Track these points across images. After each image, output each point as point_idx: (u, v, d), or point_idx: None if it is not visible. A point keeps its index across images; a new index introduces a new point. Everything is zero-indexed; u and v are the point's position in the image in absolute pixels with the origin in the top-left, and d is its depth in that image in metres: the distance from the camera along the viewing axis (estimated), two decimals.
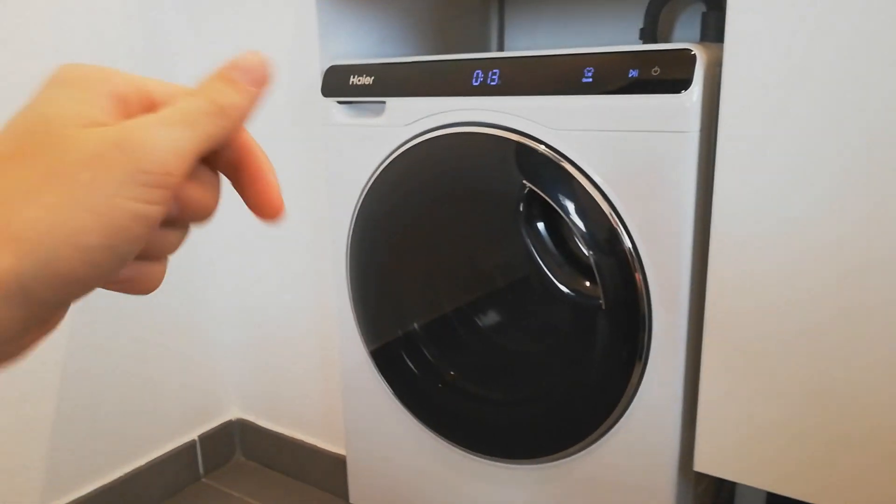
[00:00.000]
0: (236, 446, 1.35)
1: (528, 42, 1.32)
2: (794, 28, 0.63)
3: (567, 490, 0.88)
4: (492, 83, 0.82)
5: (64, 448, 1.08)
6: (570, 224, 0.77)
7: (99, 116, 0.22)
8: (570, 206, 0.77)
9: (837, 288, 0.66)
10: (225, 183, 0.29)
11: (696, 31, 1.16)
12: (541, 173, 0.79)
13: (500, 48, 1.35)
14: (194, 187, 0.26)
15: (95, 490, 1.12)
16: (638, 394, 0.79)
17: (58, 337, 1.05)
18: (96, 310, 1.09)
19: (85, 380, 1.09)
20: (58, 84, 0.23)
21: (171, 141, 0.22)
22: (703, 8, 1.06)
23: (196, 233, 1.23)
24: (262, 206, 0.28)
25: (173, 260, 1.20)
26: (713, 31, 1.02)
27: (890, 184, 0.62)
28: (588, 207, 0.76)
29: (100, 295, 1.09)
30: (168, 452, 1.23)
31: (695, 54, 0.69)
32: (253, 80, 0.26)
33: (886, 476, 0.68)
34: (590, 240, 0.77)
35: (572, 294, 0.82)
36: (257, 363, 1.28)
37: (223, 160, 0.28)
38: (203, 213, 0.27)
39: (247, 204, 0.28)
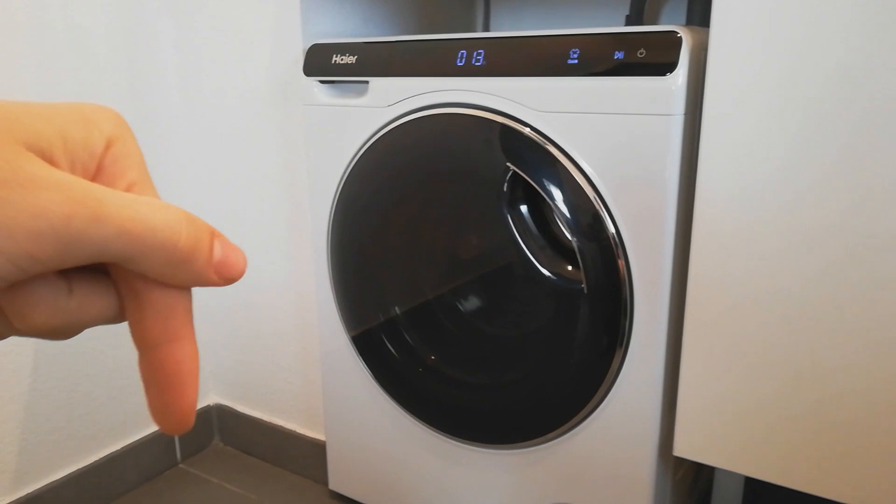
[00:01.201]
0: (214, 431, 1.34)
1: (513, 25, 1.31)
2: (779, 13, 0.63)
3: (547, 475, 0.88)
4: (476, 63, 0.80)
5: (39, 431, 1.06)
6: (554, 208, 0.77)
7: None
8: (554, 190, 0.77)
9: (819, 274, 0.66)
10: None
11: (681, 19, 1.15)
12: (525, 156, 0.78)
13: (486, 30, 1.34)
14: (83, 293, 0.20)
15: (71, 474, 1.11)
16: (618, 379, 0.79)
17: None
18: None
19: (59, 363, 1.07)
20: None
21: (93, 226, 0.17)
22: None
23: None
24: (166, 416, 0.21)
25: None
26: (699, 18, 1.02)
27: (875, 171, 0.62)
28: (572, 191, 0.76)
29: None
30: (145, 437, 1.22)
31: (681, 37, 0.68)
32: (224, 274, 0.21)
33: (865, 461, 0.68)
34: (573, 224, 0.76)
35: (554, 278, 0.81)
36: (236, 348, 1.26)
37: (139, 325, 0.21)
38: (83, 324, 0.20)
39: (147, 397, 0.21)
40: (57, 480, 1.09)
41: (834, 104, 0.62)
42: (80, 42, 1.04)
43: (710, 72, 0.67)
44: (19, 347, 1.02)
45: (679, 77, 0.68)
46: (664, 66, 0.69)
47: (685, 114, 0.70)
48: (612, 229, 0.74)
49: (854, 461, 0.69)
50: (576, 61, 0.74)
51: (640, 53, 0.70)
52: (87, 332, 1.10)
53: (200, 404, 1.31)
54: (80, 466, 1.12)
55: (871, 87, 0.60)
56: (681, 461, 0.90)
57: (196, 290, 1.18)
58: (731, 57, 0.66)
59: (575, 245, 0.76)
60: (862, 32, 0.60)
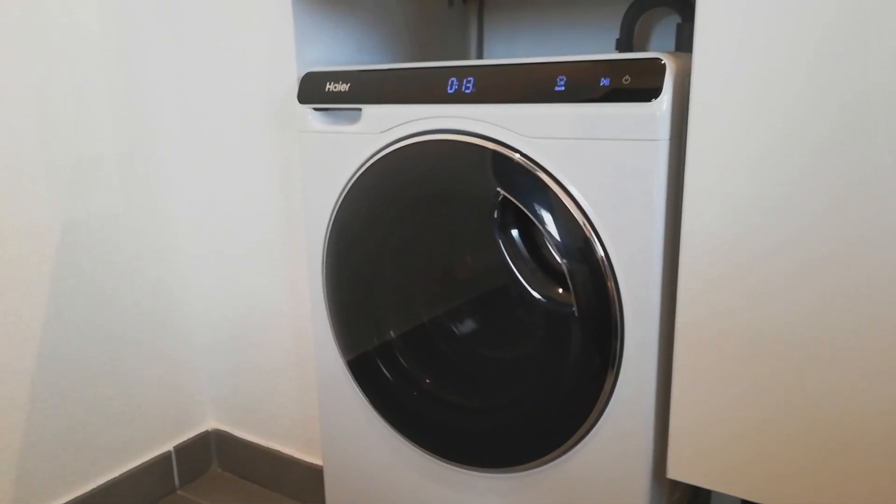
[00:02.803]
0: (212, 457, 1.34)
1: (506, 51, 1.33)
2: (758, 37, 0.64)
3: (543, 498, 0.88)
4: (466, 91, 0.82)
5: (36, 458, 1.06)
6: (544, 232, 0.77)
7: None
8: (544, 214, 0.77)
9: (813, 297, 0.67)
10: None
11: (671, 42, 1.17)
12: (515, 181, 0.79)
13: (480, 57, 1.35)
14: None
15: (69, 501, 1.11)
16: (611, 401, 0.79)
17: (28, 347, 1.03)
18: (68, 320, 1.08)
19: (56, 389, 1.08)
20: None
21: None
22: (678, 19, 1.07)
23: (171, 245, 1.22)
24: None
25: (149, 269, 1.19)
26: (687, 41, 1.03)
27: (856, 187, 0.63)
28: (561, 215, 0.77)
29: (71, 307, 1.08)
30: (143, 463, 1.22)
31: (664, 63, 0.69)
32: None
33: (862, 483, 0.68)
34: (563, 247, 0.77)
35: (545, 300, 0.82)
36: (233, 373, 1.26)
37: None
38: None
39: None
40: None
41: (809, 125, 0.63)
42: (79, 72, 1.05)
43: (693, 97, 0.69)
44: (17, 376, 1.02)
45: (664, 102, 0.69)
46: (649, 92, 0.70)
47: (670, 138, 0.71)
48: (601, 252, 0.75)
49: (848, 483, 0.69)
50: (563, 88, 0.75)
51: (626, 80, 0.71)
52: (84, 359, 1.11)
53: (198, 430, 1.32)
54: (79, 494, 1.12)
55: (848, 107, 0.61)
56: (676, 483, 0.90)
57: (193, 316, 1.19)
58: (712, 81, 0.67)
59: (565, 268, 0.77)
60: (840, 60, 0.61)
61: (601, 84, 0.73)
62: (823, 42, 0.62)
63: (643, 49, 1.18)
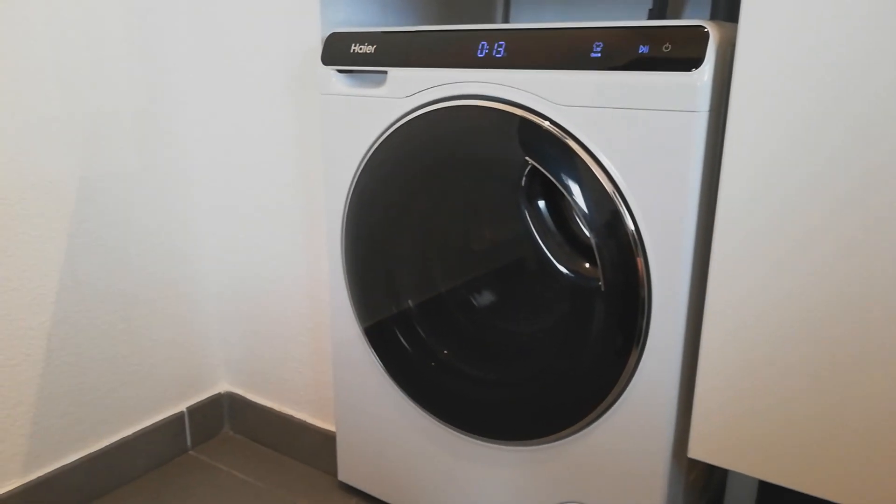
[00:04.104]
0: (224, 420, 1.34)
1: (533, 17, 1.29)
2: (814, 7, 0.61)
3: (558, 473, 0.87)
4: (497, 55, 0.79)
5: (50, 416, 1.06)
6: (572, 203, 0.75)
7: None
8: (573, 185, 0.75)
9: (839, 275, 0.65)
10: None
11: (705, 13, 1.13)
12: (544, 150, 0.77)
13: (505, 22, 1.32)
14: None
15: (82, 458, 1.11)
16: (634, 379, 0.78)
17: (43, 304, 1.03)
18: (83, 278, 1.07)
19: (71, 347, 1.08)
20: None
21: None
22: None
23: (187, 205, 1.20)
24: None
25: (164, 230, 1.17)
26: (724, 13, 1.00)
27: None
28: (591, 187, 0.74)
29: (86, 265, 1.07)
30: (156, 423, 1.22)
31: (708, 31, 0.66)
32: None
33: (882, 467, 0.67)
34: (591, 220, 0.75)
35: (571, 275, 0.80)
36: (247, 337, 1.26)
37: None
38: None
39: None
40: (68, 464, 1.09)
41: (877, 107, 0.61)
42: (96, 31, 1.03)
43: (737, 68, 0.66)
44: (32, 332, 1.02)
45: (705, 73, 0.67)
46: (690, 62, 0.67)
47: (710, 111, 0.68)
48: (631, 227, 0.73)
49: (869, 466, 0.67)
50: (599, 55, 0.72)
51: (666, 48, 0.68)
52: (99, 318, 1.11)
53: (211, 392, 1.32)
54: (91, 451, 1.13)
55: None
56: (694, 463, 0.89)
57: (208, 278, 1.19)
58: (760, 53, 0.64)
59: (593, 242, 0.75)
60: (890, 29, 0.58)
61: (640, 52, 0.70)
62: (875, 8, 0.59)
63: (677, 19, 1.15)
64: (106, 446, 1.15)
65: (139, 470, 1.20)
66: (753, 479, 0.90)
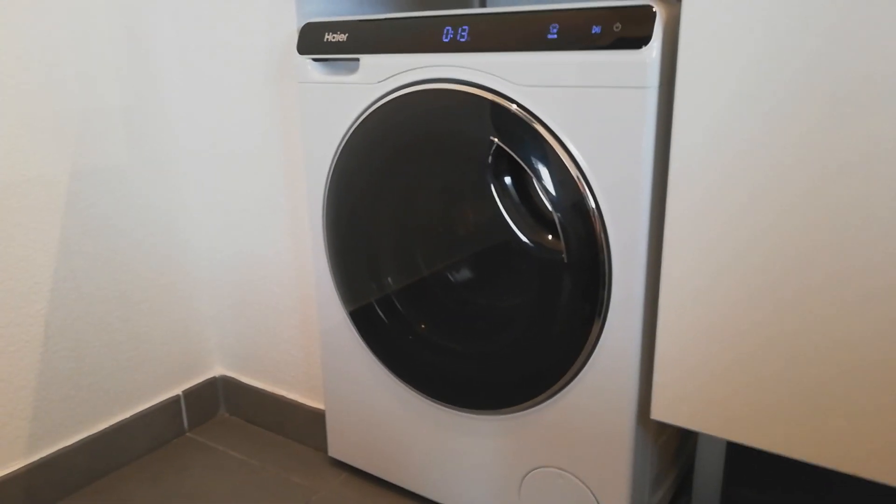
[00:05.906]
0: (220, 402, 1.39)
1: (510, 2, 1.32)
2: None
3: (533, 439, 0.91)
4: (461, 39, 0.83)
5: (51, 399, 1.11)
6: (534, 178, 0.79)
7: None
8: (536, 161, 0.79)
9: (793, 238, 0.68)
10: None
11: None
12: (508, 129, 0.80)
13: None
14: None
15: (83, 440, 1.16)
16: (598, 346, 0.81)
17: (40, 291, 1.07)
18: (78, 268, 1.12)
19: (69, 333, 1.12)
20: None
21: None
22: None
23: (176, 193, 1.24)
24: None
25: (156, 221, 1.21)
26: None
27: (846, 144, 0.63)
28: (552, 163, 0.78)
29: (81, 256, 1.12)
30: (154, 406, 1.27)
31: (655, 10, 0.70)
32: None
33: (843, 423, 0.70)
34: (553, 196, 0.78)
35: (534, 247, 0.84)
36: (240, 322, 1.30)
37: None
38: None
39: None
40: (69, 446, 1.14)
41: (808, 77, 0.64)
42: (83, 29, 1.07)
43: (681, 44, 0.69)
44: (31, 318, 1.06)
45: (653, 50, 0.70)
46: (639, 40, 0.70)
47: (660, 86, 0.71)
48: (590, 200, 0.77)
49: (828, 422, 0.71)
50: (555, 36, 0.76)
51: (616, 27, 0.72)
52: (98, 303, 1.15)
53: (206, 376, 1.36)
54: (92, 433, 1.17)
55: (849, 61, 0.62)
56: (663, 426, 0.93)
57: (200, 266, 1.22)
58: (701, 29, 0.68)
59: (555, 216, 0.79)
60: (842, 7, 0.61)
61: (593, 32, 0.73)
62: None
63: None
64: (106, 428, 1.19)
65: (139, 451, 1.24)
66: (721, 441, 0.94)
